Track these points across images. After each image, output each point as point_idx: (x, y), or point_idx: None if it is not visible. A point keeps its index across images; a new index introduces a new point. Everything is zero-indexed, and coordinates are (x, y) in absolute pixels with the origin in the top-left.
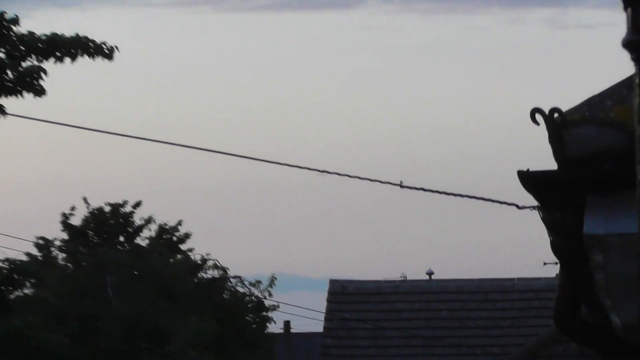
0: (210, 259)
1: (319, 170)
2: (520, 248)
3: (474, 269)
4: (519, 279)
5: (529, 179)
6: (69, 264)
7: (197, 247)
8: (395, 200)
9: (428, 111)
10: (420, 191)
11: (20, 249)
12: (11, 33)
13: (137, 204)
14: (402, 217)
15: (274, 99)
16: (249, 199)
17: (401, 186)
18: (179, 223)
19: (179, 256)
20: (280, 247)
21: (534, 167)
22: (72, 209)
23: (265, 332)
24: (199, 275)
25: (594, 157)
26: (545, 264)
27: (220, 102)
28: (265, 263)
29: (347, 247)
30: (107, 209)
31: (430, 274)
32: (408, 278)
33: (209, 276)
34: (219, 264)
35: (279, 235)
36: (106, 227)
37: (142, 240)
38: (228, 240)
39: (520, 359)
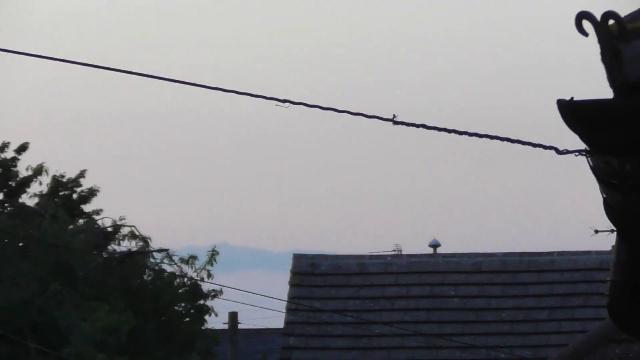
0: (125, 225)
1: (278, 100)
2: (562, 211)
3: (497, 239)
4: (560, 254)
5: (573, 111)
6: None
7: (107, 208)
8: (387, 144)
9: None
10: (420, 129)
11: None
12: None
13: (23, 148)
14: (395, 169)
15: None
16: (180, 144)
17: (394, 122)
18: (82, 174)
19: (81, 221)
20: (223, 211)
21: (580, 96)
22: None
23: (203, 327)
24: (109, 248)
25: None
26: (596, 231)
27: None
28: (202, 232)
29: (317, 211)
30: None
31: (435, 246)
32: (404, 252)
33: (124, 249)
34: (137, 233)
35: (221, 194)
36: None
37: (29, 199)
38: (150, 200)
39: None
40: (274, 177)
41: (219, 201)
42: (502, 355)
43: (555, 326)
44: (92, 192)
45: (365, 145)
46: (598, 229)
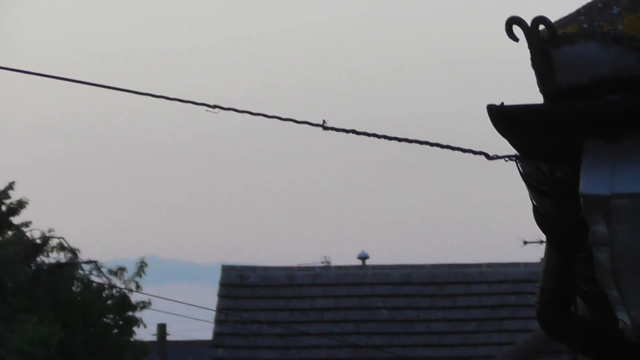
0: (54, 237)
1: (208, 105)
2: (491, 222)
3: (426, 251)
4: (489, 265)
5: (503, 116)
6: None
7: (36, 220)
8: (315, 153)
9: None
10: (351, 134)
11: None
12: None
13: None
14: (323, 179)
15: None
16: (110, 155)
17: (324, 127)
18: (10, 186)
19: (9, 233)
20: (152, 224)
21: (511, 101)
22: None
23: (132, 339)
24: (38, 259)
25: (594, 86)
26: (525, 243)
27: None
28: (131, 244)
29: (246, 223)
30: None
31: (363, 258)
32: (332, 264)
33: (52, 261)
34: (66, 245)
35: (150, 207)
36: None
37: None
38: (79, 212)
39: None
40: (203, 188)
41: (148, 214)
42: None
43: (484, 338)
44: (20, 204)
45: (294, 155)
46: (527, 240)
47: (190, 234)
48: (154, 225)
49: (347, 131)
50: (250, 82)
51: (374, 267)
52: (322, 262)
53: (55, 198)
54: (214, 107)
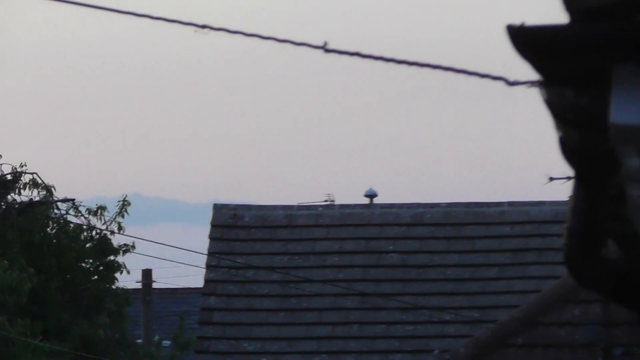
0: (25, 173)
1: (197, 25)
2: (512, 156)
3: (440, 188)
4: (511, 204)
5: (524, 38)
6: None
7: (5, 154)
8: (316, 79)
9: None
10: (355, 58)
11: None
12: None
13: None
14: (326, 107)
15: None
16: (87, 79)
17: (326, 50)
18: None
19: None
20: (135, 158)
21: (532, 21)
22: None
23: (113, 287)
24: (8, 197)
25: (626, 4)
26: (551, 179)
27: None
28: (112, 181)
29: (239, 156)
30: None
31: (371, 196)
32: (337, 202)
33: (24, 199)
34: (39, 181)
35: (133, 139)
36: None
37: None
38: (53, 145)
39: (512, 328)
40: (189, 118)
41: (130, 147)
42: (447, 317)
43: (506, 285)
44: None
45: (293, 80)
46: (553, 177)
47: (178, 169)
48: (138, 159)
49: (351, 54)
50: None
51: (382, 206)
52: (325, 201)
53: (27, 128)
54: (203, 27)
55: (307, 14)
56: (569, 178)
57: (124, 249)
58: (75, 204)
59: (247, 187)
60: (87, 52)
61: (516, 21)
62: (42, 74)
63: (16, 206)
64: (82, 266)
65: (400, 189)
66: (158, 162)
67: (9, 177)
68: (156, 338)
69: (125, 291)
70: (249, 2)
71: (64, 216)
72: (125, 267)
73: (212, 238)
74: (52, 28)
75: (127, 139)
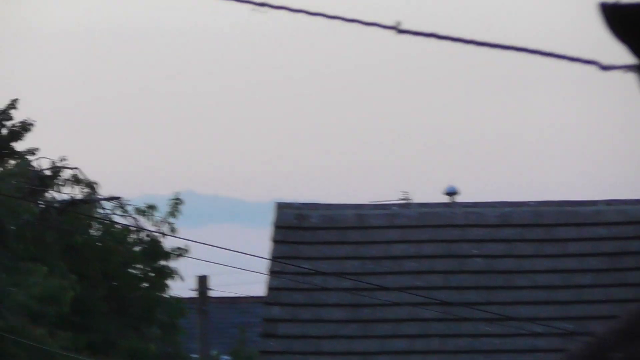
0: (66, 168)
1: (254, 3)
2: (608, 150)
3: (529, 186)
4: (608, 203)
5: (620, 16)
6: None
7: (45, 147)
8: (388, 64)
9: None
10: (431, 39)
11: None
12: None
13: None
14: (399, 97)
15: None
16: (136, 67)
17: (398, 30)
18: (12, 104)
19: (11, 163)
20: (189, 152)
21: None
22: None
23: (165, 295)
24: (47, 195)
25: None
26: None
27: None
28: (162, 177)
29: (304, 150)
30: None
31: (452, 193)
32: (414, 201)
33: (65, 197)
34: (81, 176)
35: (187, 132)
36: None
37: None
38: (98, 137)
39: (610, 341)
40: (248, 107)
41: (183, 140)
42: (538, 329)
43: (602, 293)
44: (25, 127)
45: (361, 66)
46: None
47: (236, 163)
48: (191, 153)
49: (426, 35)
50: None
51: (464, 205)
52: (401, 199)
53: (68, 119)
54: (262, 5)
55: None
56: None
57: (177, 252)
58: (122, 202)
59: (313, 184)
60: (138, 39)
61: None
62: (84, 60)
63: (56, 205)
64: (130, 272)
65: (485, 185)
66: (214, 156)
67: (47, 172)
68: (214, 353)
69: (178, 300)
70: None
71: (110, 216)
72: (178, 273)
73: (275, 241)
74: (101, 12)
75: (179, 130)
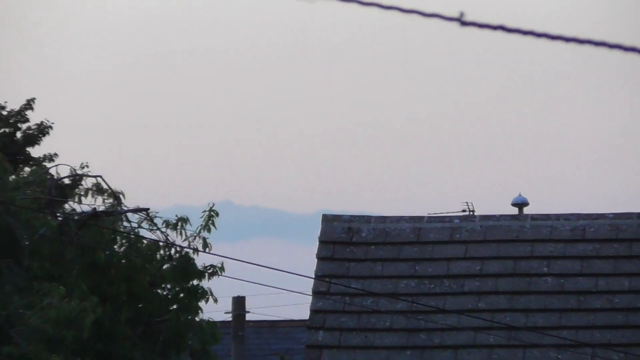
0: (88, 176)
1: None
2: None
3: (607, 196)
4: None
5: None
6: None
7: (64, 152)
8: (450, 59)
9: None
10: (498, 32)
11: None
12: None
13: None
14: (460, 96)
15: None
16: (163, 61)
17: (462, 22)
18: (29, 105)
19: (27, 170)
20: (225, 158)
21: None
22: None
23: (197, 318)
24: (66, 207)
25: None
26: None
27: None
28: (195, 186)
29: (353, 156)
30: None
31: (520, 204)
32: (477, 212)
33: (86, 209)
34: (105, 186)
35: (222, 136)
36: None
37: None
38: (122, 142)
39: None
40: (293, 111)
41: (218, 144)
42: (615, 357)
43: None
44: (42, 130)
45: (420, 62)
46: None
47: (279, 171)
48: (228, 159)
49: (493, 28)
50: None
51: (534, 218)
52: (463, 211)
53: (91, 122)
54: None
55: None
56: None
57: (211, 271)
58: (150, 214)
59: (365, 195)
60: (164, 39)
61: None
62: (110, 56)
63: (76, 217)
64: (159, 293)
65: (557, 196)
66: (254, 162)
67: (66, 181)
68: None
69: (211, 324)
70: None
71: (136, 230)
72: (211, 294)
73: (321, 257)
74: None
75: (214, 134)
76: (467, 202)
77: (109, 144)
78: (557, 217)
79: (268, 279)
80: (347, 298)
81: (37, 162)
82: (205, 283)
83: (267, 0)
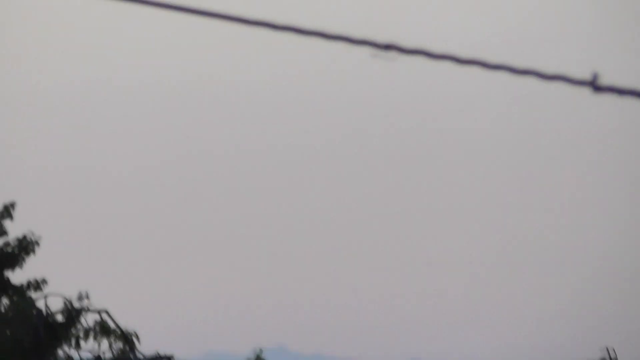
0: (90, 310)
1: (378, 46)
2: None
3: None
4: None
5: None
6: None
7: (55, 276)
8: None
9: None
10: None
11: None
12: None
13: None
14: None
15: None
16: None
17: (596, 87)
18: (7, 211)
19: (4, 302)
20: (276, 290)
21: None
22: None
23: None
24: (61, 352)
25: None
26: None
27: None
28: (234, 326)
29: (438, 293)
30: None
31: None
32: None
33: (88, 356)
34: (113, 324)
35: (272, 262)
36: None
37: None
38: (135, 265)
39: None
40: (364, 238)
41: (268, 275)
42: None
43: None
44: (25, 247)
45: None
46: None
47: (345, 311)
48: (281, 293)
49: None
50: None
51: None
52: (602, 359)
53: (93, 236)
54: (387, 47)
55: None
56: None
57: None
58: None
59: (450, 337)
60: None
61: None
62: (126, 153)
63: None
64: None
65: None
66: (315, 300)
67: (59, 317)
68: None
69: None
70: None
71: None
72: None
73: None
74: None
75: (261, 261)
76: (608, 347)
77: (117, 266)
78: None
79: None
80: None
81: (20, 291)
82: None
83: None
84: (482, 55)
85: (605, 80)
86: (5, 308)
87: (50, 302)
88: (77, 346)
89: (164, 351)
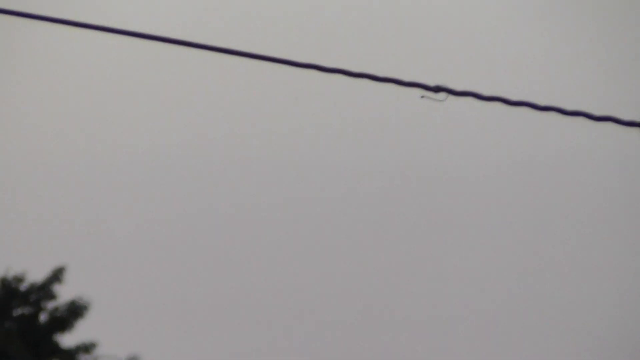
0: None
1: (427, 88)
2: None
3: None
4: None
5: None
6: None
7: (106, 339)
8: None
9: None
10: None
11: None
12: None
13: None
14: None
15: None
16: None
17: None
18: (56, 276)
19: None
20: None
21: None
22: None
23: None
24: None
25: None
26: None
27: None
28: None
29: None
30: None
31: None
32: None
33: None
34: None
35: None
36: None
37: None
38: (192, 327)
39: None
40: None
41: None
42: None
43: None
44: (74, 311)
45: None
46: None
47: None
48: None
49: None
50: None
51: None
52: None
53: (142, 297)
54: (437, 90)
55: None
56: None
57: None
58: None
59: None
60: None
61: None
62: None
63: None
64: None
65: None
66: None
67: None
68: None
69: None
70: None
71: None
72: None
73: None
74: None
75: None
76: None
77: (169, 329)
78: None
79: None
80: None
81: (69, 355)
82: None
83: None
84: (530, 97)
85: None
86: None
87: None
88: None
89: None
